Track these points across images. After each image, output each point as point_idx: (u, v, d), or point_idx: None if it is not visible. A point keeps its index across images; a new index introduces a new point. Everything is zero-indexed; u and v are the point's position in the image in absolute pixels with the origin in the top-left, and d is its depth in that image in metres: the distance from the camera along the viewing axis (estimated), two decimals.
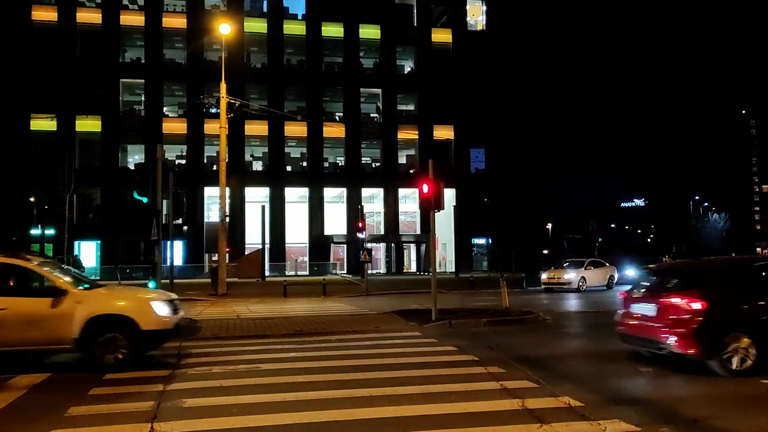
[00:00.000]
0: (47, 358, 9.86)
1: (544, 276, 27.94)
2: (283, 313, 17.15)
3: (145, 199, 13.94)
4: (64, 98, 44.90)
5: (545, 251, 64.44)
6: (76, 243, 45.04)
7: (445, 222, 42.60)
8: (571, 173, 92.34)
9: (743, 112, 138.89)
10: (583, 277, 27.14)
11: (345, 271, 48.20)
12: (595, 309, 18.21)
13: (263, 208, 42.14)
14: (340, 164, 51.97)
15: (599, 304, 19.99)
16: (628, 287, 10.57)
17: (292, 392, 7.17)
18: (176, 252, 40.83)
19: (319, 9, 50.23)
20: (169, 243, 16.30)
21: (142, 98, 48.52)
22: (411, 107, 53.77)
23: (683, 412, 6.23)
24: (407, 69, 54.66)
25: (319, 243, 49.04)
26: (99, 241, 46.37)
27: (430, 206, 14.10)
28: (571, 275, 27.00)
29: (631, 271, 33.06)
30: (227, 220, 29.82)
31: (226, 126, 27.33)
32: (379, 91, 51.53)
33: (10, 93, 44.57)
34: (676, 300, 8.15)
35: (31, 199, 43.43)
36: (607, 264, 30.44)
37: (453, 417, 6.06)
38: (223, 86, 27.01)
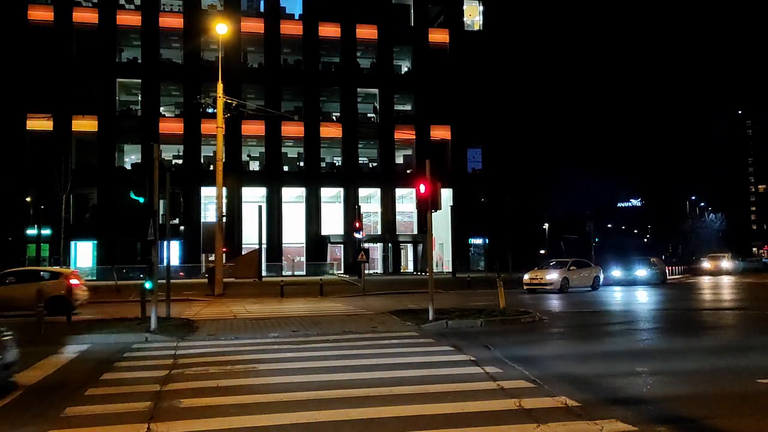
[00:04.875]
0: (43, 357, 9.84)
1: (526, 277, 26.59)
2: (280, 313, 17.18)
3: (141, 199, 13.87)
4: (60, 98, 44.84)
5: (542, 251, 64.51)
6: (72, 243, 44.93)
7: (442, 222, 42.62)
8: (568, 173, 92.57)
9: (740, 112, 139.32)
10: (566, 278, 25.80)
11: (342, 271, 48.16)
12: (591, 309, 18.24)
13: (260, 208, 42.07)
14: (337, 164, 51.95)
15: (594, 304, 20.01)
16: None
17: (288, 392, 7.17)
18: (173, 252, 40.75)
19: (316, 9, 50.16)
20: (165, 243, 16.25)
21: (139, 98, 48.40)
22: (408, 107, 53.78)
23: (681, 411, 6.24)
24: (404, 69, 54.62)
25: (316, 243, 49.00)
26: (96, 242, 46.25)
27: (427, 206, 14.09)
28: (553, 276, 25.74)
29: (618, 272, 32.85)
30: (224, 220, 29.85)
31: (223, 126, 27.35)
32: (376, 91, 51.50)
33: (6, 92, 44.48)
34: None
35: (27, 200, 43.30)
36: (593, 264, 29.76)
37: (450, 417, 6.06)
38: (220, 86, 27.02)
